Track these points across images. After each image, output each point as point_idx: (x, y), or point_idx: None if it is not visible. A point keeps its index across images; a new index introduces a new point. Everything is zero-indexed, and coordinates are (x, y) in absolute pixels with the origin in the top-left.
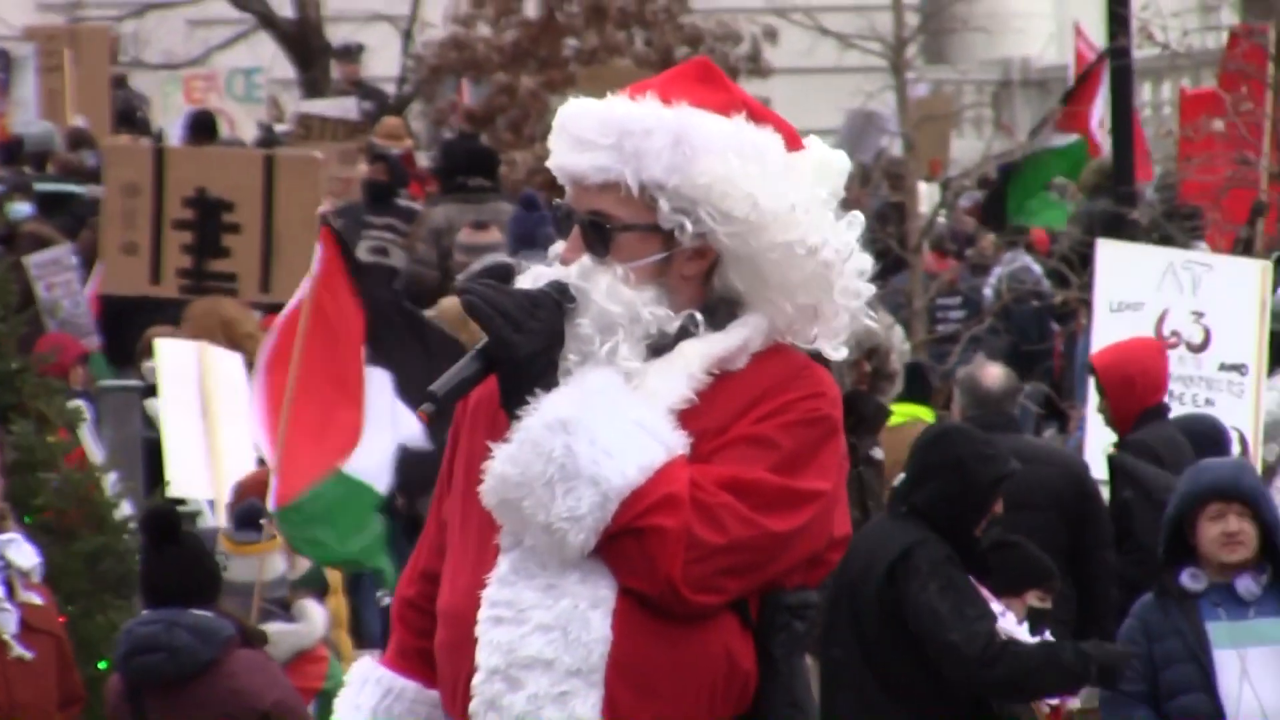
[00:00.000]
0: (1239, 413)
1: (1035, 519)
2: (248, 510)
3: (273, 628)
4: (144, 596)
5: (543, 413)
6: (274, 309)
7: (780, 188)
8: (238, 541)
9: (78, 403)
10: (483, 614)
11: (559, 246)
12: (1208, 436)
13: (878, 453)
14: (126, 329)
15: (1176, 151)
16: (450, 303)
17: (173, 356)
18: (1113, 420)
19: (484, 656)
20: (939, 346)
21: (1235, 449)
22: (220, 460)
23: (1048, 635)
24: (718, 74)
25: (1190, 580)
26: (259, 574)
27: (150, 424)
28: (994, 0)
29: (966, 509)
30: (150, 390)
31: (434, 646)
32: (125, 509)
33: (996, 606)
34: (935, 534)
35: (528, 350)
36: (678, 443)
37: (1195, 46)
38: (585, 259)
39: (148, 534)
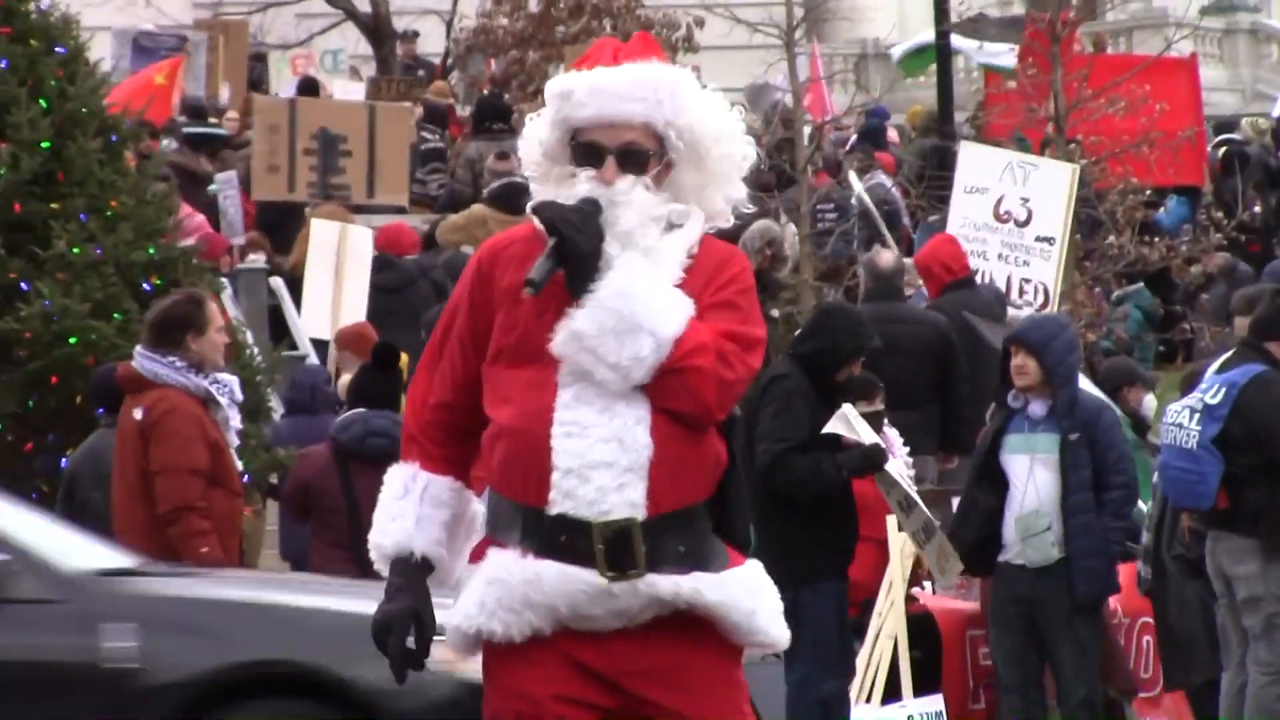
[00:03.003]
0: (1046, 271)
1: (910, 361)
2: None
3: None
4: (364, 402)
5: (610, 285)
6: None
7: (728, 116)
8: None
9: (220, 279)
10: (555, 430)
11: (590, 171)
12: (1000, 298)
13: (774, 312)
14: (275, 230)
15: (983, 101)
16: (478, 208)
17: (320, 231)
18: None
19: (560, 460)
20: (819, 238)
21: (1038, 300)
22: (340, 312)
23: (886, 430)
24: (658, 46)
25: (1011, 400)
26: None
27: (271, 294)
28: None
29: (830, 363)
30: (272, 271)
31: (495, 457)
32: (255, 352)
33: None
34: (803, 374)
35: (589, 247)
36: (690, 306)
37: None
38: (626, 177)
39: (376, 359)
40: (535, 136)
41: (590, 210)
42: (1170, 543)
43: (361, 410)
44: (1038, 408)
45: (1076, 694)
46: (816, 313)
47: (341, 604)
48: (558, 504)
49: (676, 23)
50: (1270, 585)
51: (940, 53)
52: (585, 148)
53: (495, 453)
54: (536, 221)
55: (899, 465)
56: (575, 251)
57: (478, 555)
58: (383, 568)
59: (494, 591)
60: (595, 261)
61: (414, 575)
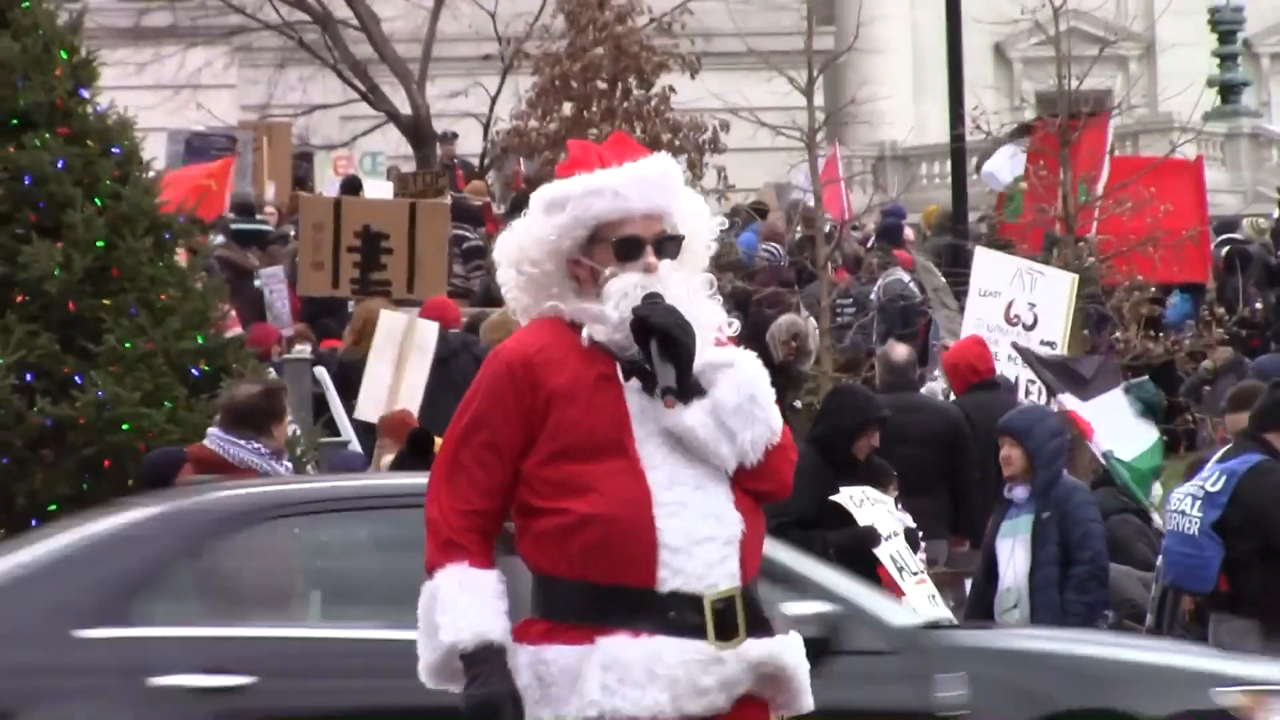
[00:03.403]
0: None
1: (921, 449)
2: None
3: None
4: None
5: (744, 367)
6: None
7: (706, 212)
8: None
9: (268, 367)
10: (658, 511)
11: (634, 264)
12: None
13: (798, 404)
14: (316, 320)
15: (996, 202)
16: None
17: (388, 322)
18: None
19: (667, 538)
20: (838, 332)
21: (1041, 399)
22: (395, 400)
23: (903, 515)
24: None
25: (1006, 492)
26: None
27: (315, 382)
28: (873, 103)
29: (844, 439)
30: (316, 360)
31: (575, 544)
32: (297, 433)
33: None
34: (819, 452)
35: (695, 345)
36: None
37: (1006, 133)
38: (665, 262)
39: (411, 445)
40: (532, 239)
41: (673, 307)
42: (1171, 625)
43: None
44: (1020, 492)
45: None
46: (828, 395)
47: (1130, 654)
48: (668, 581)
49: (703, 125)
50: None
51: (955, 157)
52: (625, 241)
53: (576, 540)
54: (628, 328)
55: (893, 547)
56: (688, 354)
57: (527, 637)
58: (442, 671)
59: (614, 674)
60: (694, 354)
61: (499, 660)
